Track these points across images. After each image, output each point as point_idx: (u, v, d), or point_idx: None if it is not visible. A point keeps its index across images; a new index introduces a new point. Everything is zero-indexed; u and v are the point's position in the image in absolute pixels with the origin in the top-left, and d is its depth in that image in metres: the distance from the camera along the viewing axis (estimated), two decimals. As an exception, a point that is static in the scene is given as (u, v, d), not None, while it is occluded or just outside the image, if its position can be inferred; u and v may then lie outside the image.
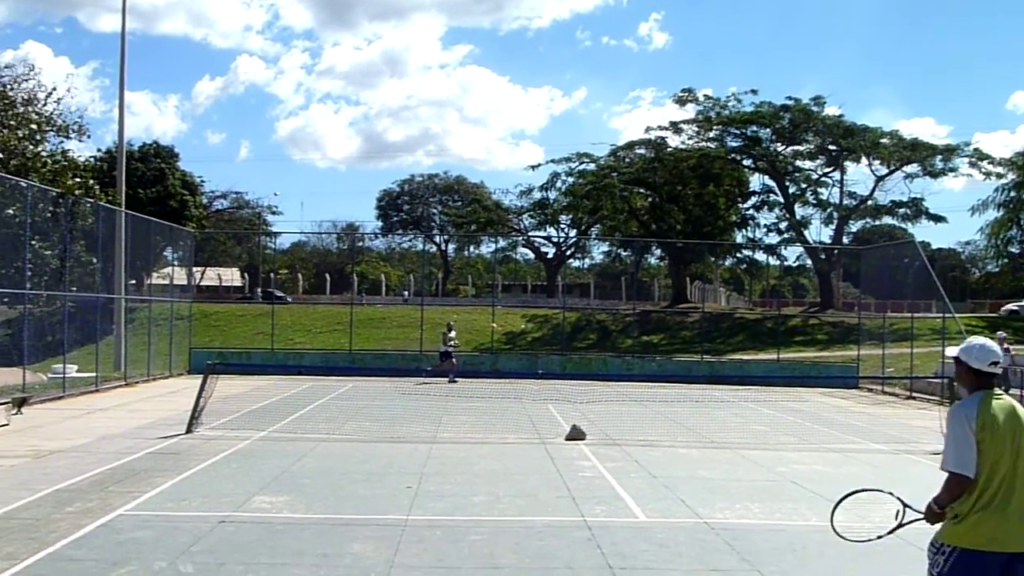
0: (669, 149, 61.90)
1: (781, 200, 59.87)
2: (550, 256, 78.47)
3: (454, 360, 32.58)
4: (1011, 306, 64.19)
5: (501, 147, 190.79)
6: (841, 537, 6.30)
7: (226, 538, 9.62)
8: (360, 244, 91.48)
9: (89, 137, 61.19)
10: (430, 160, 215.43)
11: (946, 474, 5.31)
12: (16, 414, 19.98)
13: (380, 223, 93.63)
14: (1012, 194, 55.12)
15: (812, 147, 58.53)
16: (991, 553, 5.16)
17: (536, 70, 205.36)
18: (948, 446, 5.33)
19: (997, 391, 5.46)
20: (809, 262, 62.76)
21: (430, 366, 32.93)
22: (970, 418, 5.25)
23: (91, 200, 31.75)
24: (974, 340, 5.63)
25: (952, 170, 56.78)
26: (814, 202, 59.81)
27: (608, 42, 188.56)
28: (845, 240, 59.88)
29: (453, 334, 33.99)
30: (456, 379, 31.55)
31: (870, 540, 6.39)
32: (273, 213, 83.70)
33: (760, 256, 59.55)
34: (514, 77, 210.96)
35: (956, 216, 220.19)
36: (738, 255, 63.36)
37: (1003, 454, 5.21)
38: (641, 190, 63.75)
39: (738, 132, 59.28)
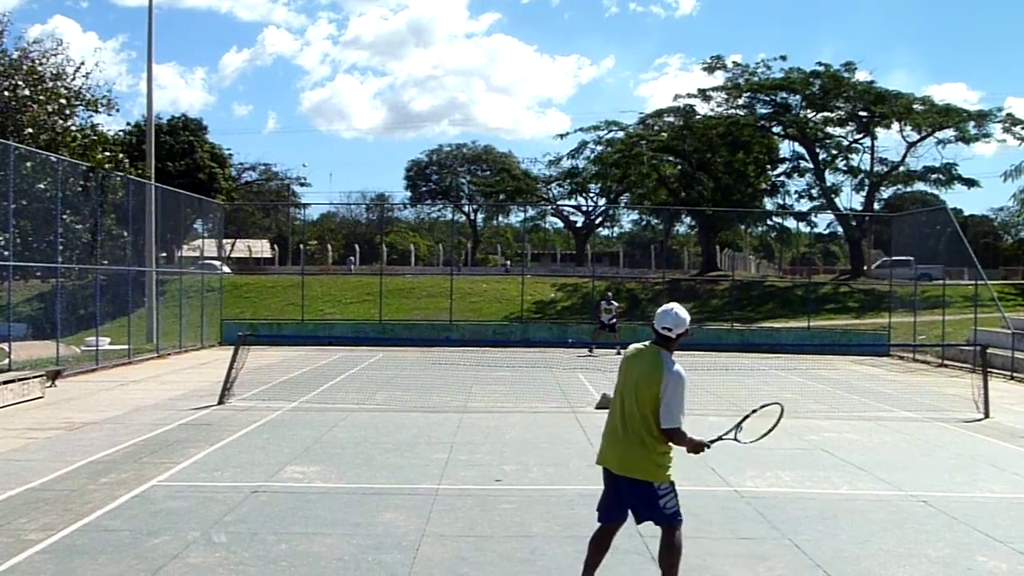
0: (698, 117, 61.35)
1: (811, 167, 59.28)
2: (579, 225, 78.25)
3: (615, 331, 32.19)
4: None
5: (528, 116, 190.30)
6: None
7: (259, 508, 9.70)
8: (389, 214, 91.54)
9: (118, 111, 61.27)
10: (456, 130, 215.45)
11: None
12: (50, 386, 20.18)
13: (409, 193, 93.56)
14: (1046, 159, 54.36)
15: (843, 113, 57.79)
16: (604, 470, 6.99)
17: (563, 38, 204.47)
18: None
19: (656, 348, 6.77)
20: (840, 229, 62.15)
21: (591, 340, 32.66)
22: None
23: (121, 174, 31.88)
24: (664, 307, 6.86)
25: (986, 135, 55.83)
26: (845, 169, 59.20)
27: (635, 8, 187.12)
28: (876, 207, 59.27)
29: (615, 304, 33.77)
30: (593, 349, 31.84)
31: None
32: (302, 184, 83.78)
33: (790, 223, 59.01)
34: (541, 46, 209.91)
35: (988, 182, 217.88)
36: (768, 223, 62.84)
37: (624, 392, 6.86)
38: (670, 158, 63.31)
39: (767, 99, 58.66)
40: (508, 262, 67.03)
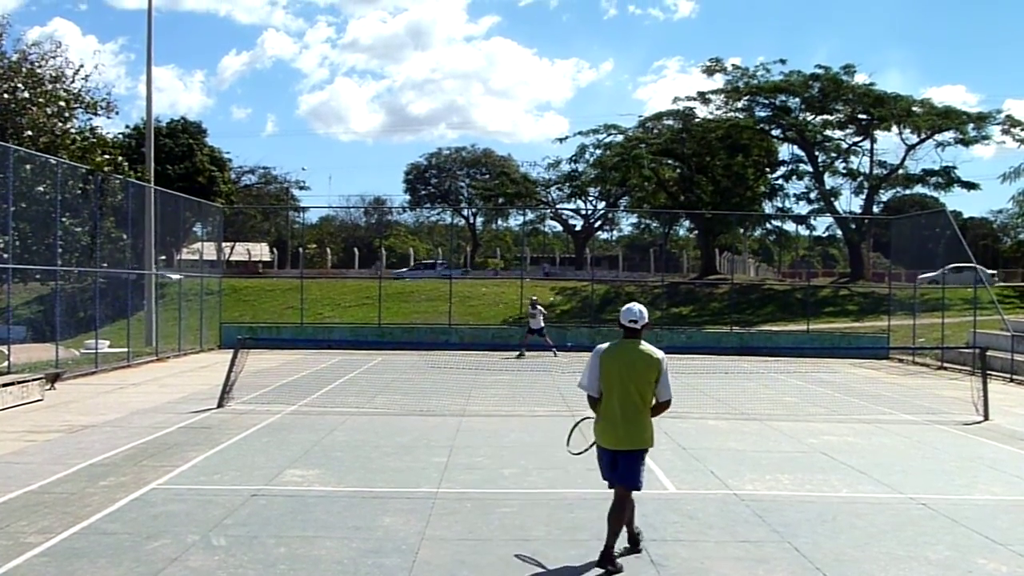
0: (697, 120, 61.43)
1: (810, 170, 59.33)
2: (578, 228, 78.24)
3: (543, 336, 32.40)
4: None
5: (526, 119, 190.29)
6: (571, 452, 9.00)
7: (258, 511, 9.69)
8: (388, 218, 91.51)
9: (117, 114, 61.54)
10: (454, 133, 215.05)
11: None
12: (50, 389, 20.18)
13: (408, 197, 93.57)
14: (1045, 161, 54.43)
15: (842, 116, 57.85)
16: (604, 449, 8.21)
17: (562, 41, 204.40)
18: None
19: (632, 340, 8.17)
20: (839, 232, 62.17)
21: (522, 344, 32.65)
22: (599, 354, 8.21)
23: (120, 176, 31.91)
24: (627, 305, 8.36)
25: (985, 137, 55.90)
26: (844, 171, 59.27)
27: (634, 11, 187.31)
28: (875, 210, 59.26)
29: (540, 309, 33.82)
30: (524, 353, 31.86)
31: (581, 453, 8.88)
32: (301, 188, 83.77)
33: (789, 226, 59.08)
34: (541, 49, 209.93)
35: (987, 184, 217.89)
36: (767, 225, 62.90)
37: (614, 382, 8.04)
38: (669, 161, 63.36)
39: (767, 102, 58.75)
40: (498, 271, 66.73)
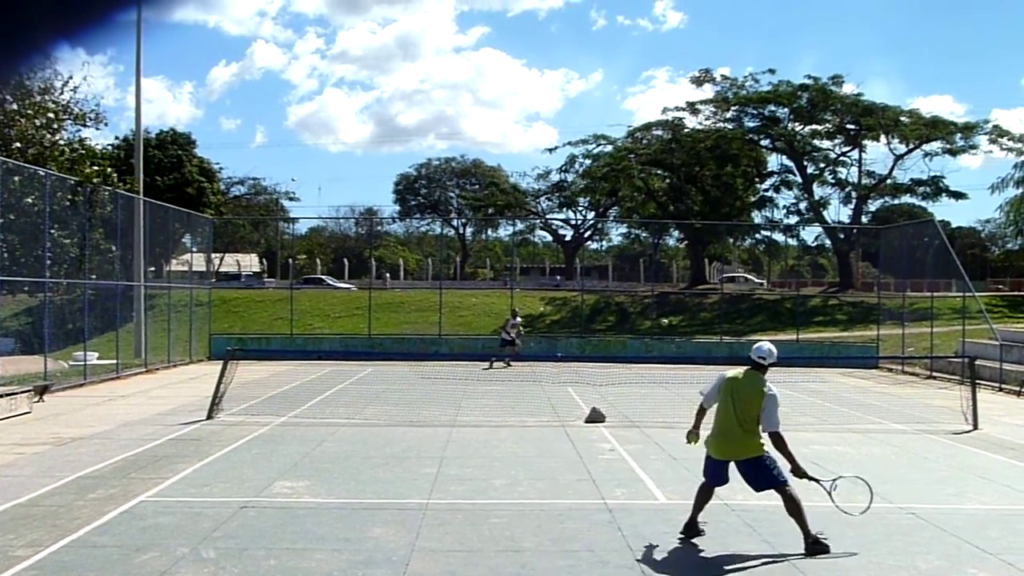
0: (686, 130, 61.57)
1: (799, 180, 59.50)
2: (568, 239, 78.36)
3: (516, 345, 32.39)
4: None
5: (515, 130, 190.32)
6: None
7: (248, 523, 9.66)
8: (378, 228, 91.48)
9: (106, 125, 61.36)
10: (443, 143, 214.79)
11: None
12: (38, 402, 20.11)
13: (398, 207, 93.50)
14: (1031, 171, 54.63)
15: (830, 126, 58.06)
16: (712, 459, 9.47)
17: (551, 52, 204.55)
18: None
19: (756, 373, 9.33)
20: (828, 242, 62.32)
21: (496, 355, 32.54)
22: (724, 378, 9.48)
23: (109, 188, 31.82)
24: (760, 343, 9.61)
25: (973, 147, 56.21)
26: (832, 182, 59.49)
27: (622, 21, 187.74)
28: (864, 220, 59.46)
29: (518, 320, 33.86)
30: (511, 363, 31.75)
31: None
32: (291, 199, 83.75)
33: (778, 237, 59.33)
34: (530, 60, 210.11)
35: (974, 194, 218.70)
36: (756, 236, 63.10)
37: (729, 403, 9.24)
38: (659, 171, 63.54)
39: (756, 112, 58.90)
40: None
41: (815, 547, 8.71)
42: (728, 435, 9.17)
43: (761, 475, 9.07)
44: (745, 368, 9.45)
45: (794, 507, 8.88)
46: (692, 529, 9.22)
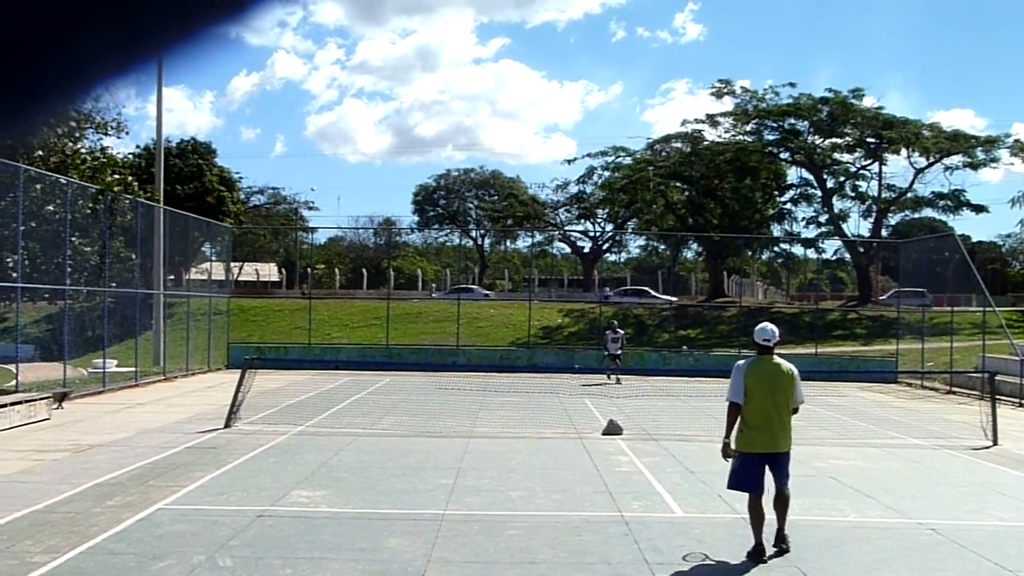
0: (705, 143, 61.44)
1: (819, 193, 59.26)
2: (586, 251, 78.24)
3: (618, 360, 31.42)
4: None
5: (534, 141, 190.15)
6: None
7: (264, 532, 9.67)
8: (396, 239, 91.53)
9: (128, 134, 61.67)
10: (462, 154, 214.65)
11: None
12: (57, 408, 20.20)
13: (416, 218, 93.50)
14: (1053, 185, 54.35)
15: (851, 140, 57.84)
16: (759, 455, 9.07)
17: (570, 63, 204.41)
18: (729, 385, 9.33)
19: (768, 356, 9.40)
20: (847, 255, 62.07)
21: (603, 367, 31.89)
22: (742, 370, 9.33)
23: (130, 196, 31.99)
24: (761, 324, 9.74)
25: (994, 161, 55.90)
26: (852, 195, 59.18)
27: (642, 33, 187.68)
28: (884, 233, 59.23)
29: (620, 332, 33.02)
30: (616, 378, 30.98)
31: None
32: (310, 208, 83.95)
33: (798, 250, 59.03)
34: (549, 72, 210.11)
35: (995, 208, 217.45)
36: (775, 249, 62.92)
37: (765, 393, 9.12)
38: (678, 184, 63.38)
39: (775, 125, 58.74)
40: (488, 293, 65.62)
41: (782, 547, 9.06)
42: (769, 427, 9.13)
43: (787, 467, 9.29)
44: (756, 355, 9.54)
45: (783, 504, 9.16)
46: (759, 554, 8.85)
